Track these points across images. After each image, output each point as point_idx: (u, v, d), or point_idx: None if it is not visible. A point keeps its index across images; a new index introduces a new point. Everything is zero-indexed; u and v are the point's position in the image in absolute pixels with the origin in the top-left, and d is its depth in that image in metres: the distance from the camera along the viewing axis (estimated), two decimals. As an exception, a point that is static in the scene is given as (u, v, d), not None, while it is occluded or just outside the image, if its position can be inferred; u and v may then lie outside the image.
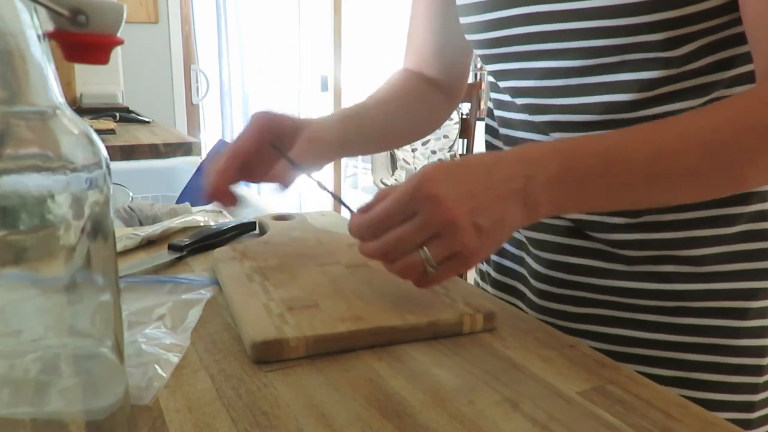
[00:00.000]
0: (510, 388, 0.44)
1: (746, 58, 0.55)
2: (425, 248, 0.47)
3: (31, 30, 0.29)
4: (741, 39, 0.53)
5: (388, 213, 0.47)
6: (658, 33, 0.52)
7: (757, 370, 0.59)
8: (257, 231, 0.79)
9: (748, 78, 0.55)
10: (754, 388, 0.59)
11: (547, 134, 0.62)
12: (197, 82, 3.75)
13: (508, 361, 0.48)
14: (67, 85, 2.43)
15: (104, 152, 0.31)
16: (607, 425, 0.40)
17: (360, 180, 4.65)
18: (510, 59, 0.62)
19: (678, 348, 0.60)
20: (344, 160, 3.72)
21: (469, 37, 0.66)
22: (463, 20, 0.66)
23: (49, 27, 0.38)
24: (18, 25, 0.29)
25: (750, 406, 0.59)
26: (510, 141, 0.67)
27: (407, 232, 0.47)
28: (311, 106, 3.80)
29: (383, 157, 3.11)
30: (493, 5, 0.61)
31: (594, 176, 0.48)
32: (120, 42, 0.46)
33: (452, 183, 0.46)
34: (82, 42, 0.41)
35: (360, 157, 4.00)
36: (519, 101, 0.64)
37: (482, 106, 2.96)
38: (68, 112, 0.31)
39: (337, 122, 0.65)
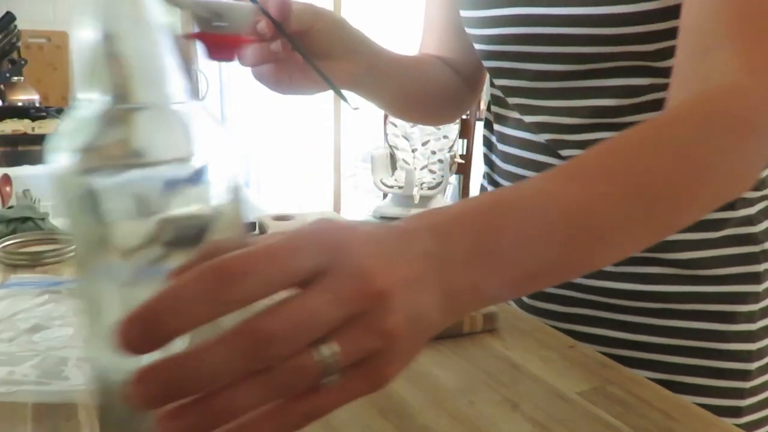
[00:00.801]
0: (510, 389, 0.44)
1: None
2: (328, 343, 0.25)
3: (159, 29, 0.29)
4: None
5: (284, 251, 0.26)
6: (647, 44, 0.53)
7: (745, 375, 0.58)
8: (257, 231, 0.79)
9: None
10: (741, 393, 0.59)
11: (536, 134, 0.62)
12: (197, 82, 3.75)
13: (508, 362, 0.48)
14: (61, 86, 2.43)
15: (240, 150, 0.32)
16: (608, 426, 0.40)
17: (360, 180, 4.65)
18: (503, 58, 0.63)
19: (664, 350, 0.59)
20: (343, 161, 3.71)
21: (467, 30, 0.66)
22: (462, 13, 0.66)
23: (189, 29, 0.43)
24: (149, 27, 0.29)
25: (737, 411, 0.59)
26: (503, 137, 0.68)
27: (316, 304, 0.26)
28: (311, 105, 3.80)
29: (383, 157, 3.11)
30: (488, 3, 0.61)
31: (517, 237, 0.32)
32: (250, 41, 0.53)
33: (365, 236, 0.28)
34: (221, 42, 0.48)
35: (360, 157, 3.99)
36: (511, 100, 0.65)
37: (482, 106, 2.96)
38: (197, 108, 0.31)
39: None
